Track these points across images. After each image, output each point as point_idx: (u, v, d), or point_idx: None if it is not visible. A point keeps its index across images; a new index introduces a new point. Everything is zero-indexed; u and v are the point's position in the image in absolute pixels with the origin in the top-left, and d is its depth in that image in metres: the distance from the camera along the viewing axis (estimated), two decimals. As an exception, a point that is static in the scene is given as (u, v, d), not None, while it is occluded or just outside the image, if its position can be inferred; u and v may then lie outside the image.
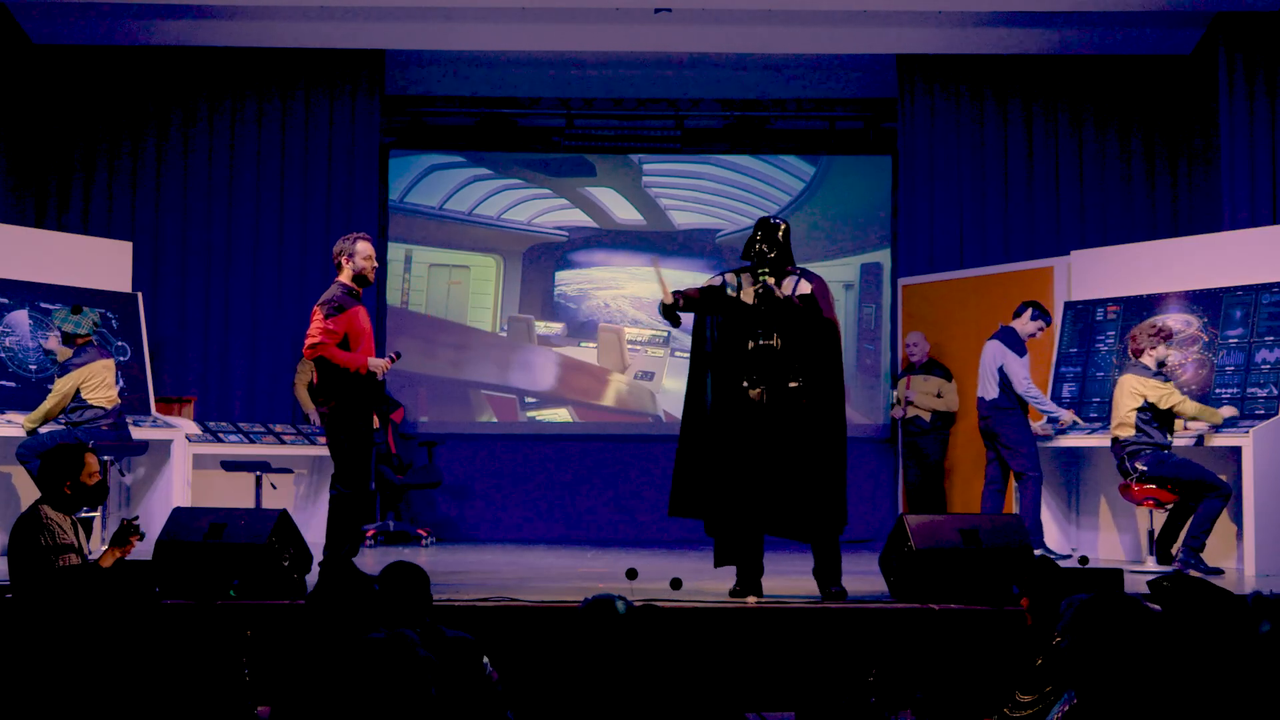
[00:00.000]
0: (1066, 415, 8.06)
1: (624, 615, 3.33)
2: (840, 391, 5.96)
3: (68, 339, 7.66)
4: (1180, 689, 2.82)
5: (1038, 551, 7.48)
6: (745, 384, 5.84)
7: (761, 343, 5.88)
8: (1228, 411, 7.51)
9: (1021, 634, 4.75)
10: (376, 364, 6.23)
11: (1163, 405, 7.30)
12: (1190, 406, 7.38)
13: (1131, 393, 7.35)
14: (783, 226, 6.01)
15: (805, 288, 5.90)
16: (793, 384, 5.82)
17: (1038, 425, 8.11)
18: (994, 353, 8.04)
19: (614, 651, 3.24)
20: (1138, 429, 7.33)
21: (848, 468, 5.96)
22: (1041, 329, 8.18)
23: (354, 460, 6.25)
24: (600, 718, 3.17)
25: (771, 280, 5.88)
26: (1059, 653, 3.47)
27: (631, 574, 5.79)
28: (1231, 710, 2.85)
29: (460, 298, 10.65)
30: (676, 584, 6.01)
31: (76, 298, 8.35)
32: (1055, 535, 8.21)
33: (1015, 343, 8.02)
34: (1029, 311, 8.16)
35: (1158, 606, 3.50)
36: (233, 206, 10.04)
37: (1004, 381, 7.94)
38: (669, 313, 5.94)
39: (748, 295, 5.90)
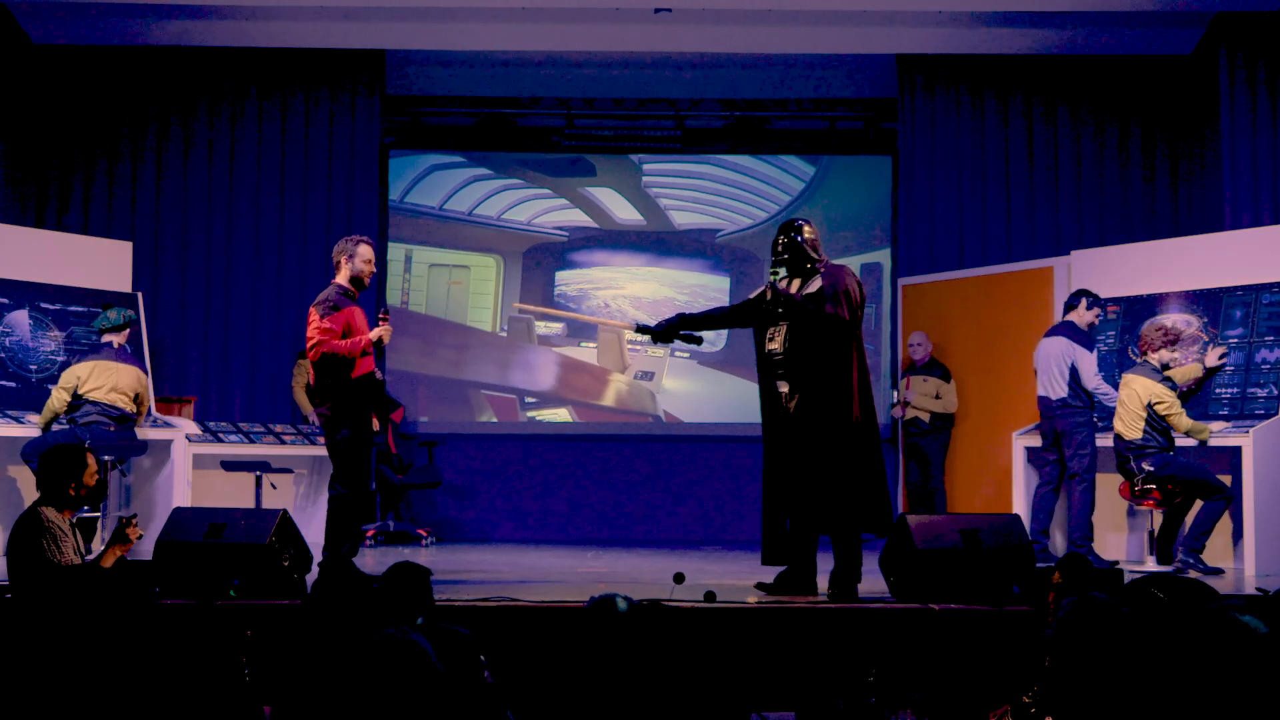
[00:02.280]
0: None
1: (624, 613, 3.33)
2: (843, 391, 5.83)
3: (101, 333, 7.96)
4: (1152, 687, 2.82)
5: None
6: (775, 385, 5.94)
7: (769, 345, 5.98)
8: (1216, 426, 7.50)
9: (1025, 632, 4.76)
10: (376, 333, 6.30)
11: (1160, 412, 7.29)
12: (1185, 422, 7.32)
13: (1139, 394, 7.32)
14: (796, 225, 6.02)
15: (814, 285, 5.91)
16: (781, 386, 5.89)
17: None
18: (1063, 350, 7.74)
19: (613, 650, 3.24)
20: (1145, 430, 7.31)
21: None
22: (1099, 316, 7.95)
23: (352, 460, 6.26)
24: (601, 718, 3.17)
25: (783, 282, 5.94)
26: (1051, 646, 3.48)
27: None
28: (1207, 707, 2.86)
29: (460, 298, 10.65)
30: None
31: (76, 298, 8.39)
32: (1058, 537, 8.13)
33: (1083, 338, 7.77)
34: (1084, 300, 7.90)
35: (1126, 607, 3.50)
36: (233, 206, 10.05)
37: (1074, 379, 7.69)
38: (667, 335, 6.16)
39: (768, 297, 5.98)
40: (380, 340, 6.32)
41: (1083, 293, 7.98)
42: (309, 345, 6.23)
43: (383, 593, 3.86)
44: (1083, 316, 7.88)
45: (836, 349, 5.83)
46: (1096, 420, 7.79)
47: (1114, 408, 7.64)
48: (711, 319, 6.38)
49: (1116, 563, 7.47)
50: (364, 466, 6.41)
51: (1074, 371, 7.69)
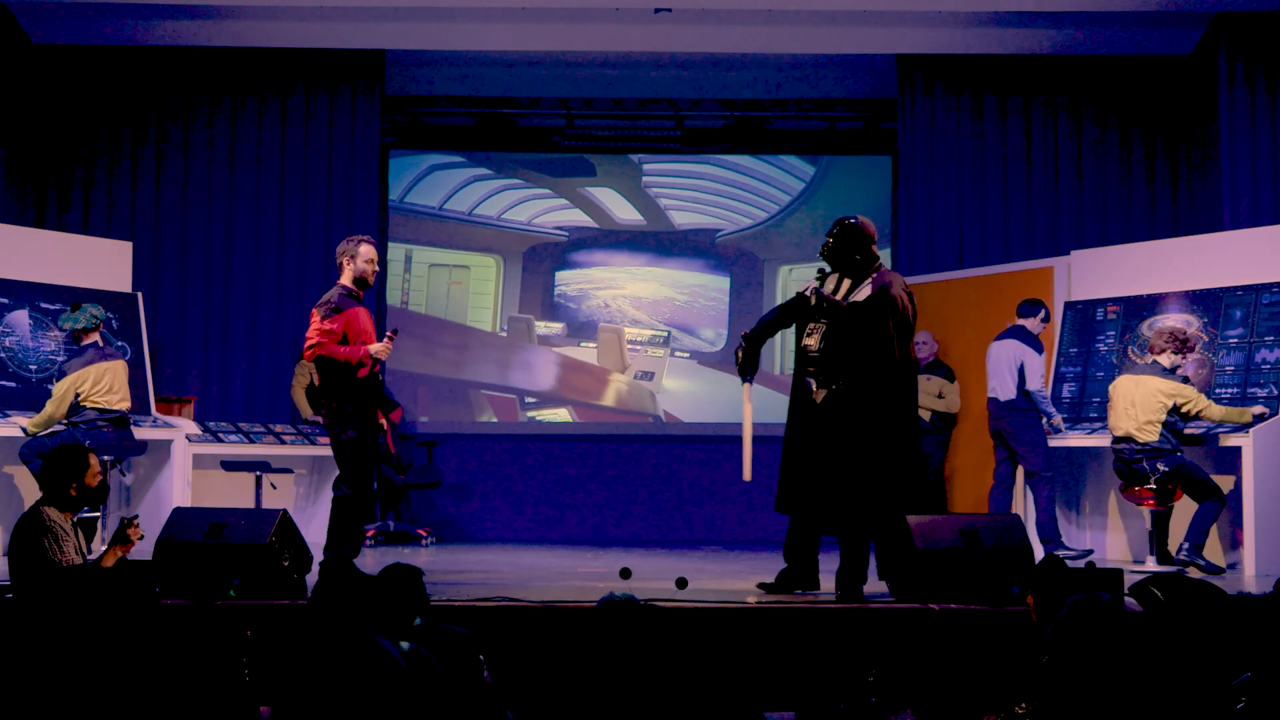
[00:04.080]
0: (1058, 419, 8.03)
1: (624, 611, 3.33)
2: (880, 399, 5.75)
3: (73, 337, 7.86)
4: (1157, 686, 2.82)
5: (1060, 552, 7.49)
6: (804, 380, 5.89)
7: (804, 343, 5.92)
8: (1258, 410, 7.35)
9: (1024, 632, 4.76)
10: (376, 349, 6.24)
11: (1191, 410, 7.27)
12: (1218, 411, 7.31)
13: (1158, 395, 7.30)
14: (850, 226, 5.87)
15: (862, 294, 5.83)
16: (812, 383, 5.82)
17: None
18: (1013, 351, 7.88)
19: (613, 649, 3.24)
20: (1162, 433, 7.30)
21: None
22: (1044, 325, 8.19)
23: (357, 461, 6.26)
24: (601, 718, 3.17)
25: (831, 281, 5.88)
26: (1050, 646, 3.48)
27: (625, 573, 5.76)
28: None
29: (460, 298, 10.66)
30: (682, 584, 6.00)
31: (76, 298, 8.36)
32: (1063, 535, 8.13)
33: (1034, 341, 7.94)
34: (1042, 312, 8.15)
35: (1139, 607, 3.50)
36: (233, 206, 10.05)
37: (1021, 380, 7.82)
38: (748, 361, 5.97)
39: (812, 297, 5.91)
40: (378, 357, 6.26)
41: (1041, 303, 8.19)
42: (306, 346, 6.22)
43: (377, 595, 3.86)
44: (1036, 325, 8.10)
45: (873, 358, 5.75)
46: (1060, 420, 7.97)
47: (1049, 411, 7.80)
48: (771, 326, 6.16)
49: (1109, 561, 7.49)
50: (368, 467, 6.41)
51: (1021, 372, 7.85)
